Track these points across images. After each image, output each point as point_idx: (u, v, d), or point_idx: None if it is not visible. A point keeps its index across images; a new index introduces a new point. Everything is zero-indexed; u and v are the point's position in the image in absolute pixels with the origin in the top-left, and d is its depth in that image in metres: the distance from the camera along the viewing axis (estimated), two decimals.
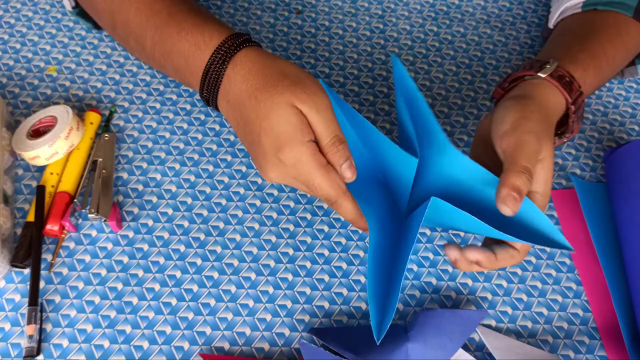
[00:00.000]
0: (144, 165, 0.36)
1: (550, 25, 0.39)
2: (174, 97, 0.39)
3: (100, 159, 0.35)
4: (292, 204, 0.35)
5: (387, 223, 0.29)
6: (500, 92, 0.32)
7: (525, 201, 0.27)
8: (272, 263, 0.33)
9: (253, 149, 0.28)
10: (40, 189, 0.33)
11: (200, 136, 0.37)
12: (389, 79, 0.41)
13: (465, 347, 0.31)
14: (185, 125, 0.38)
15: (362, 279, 0.33)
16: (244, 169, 0.36)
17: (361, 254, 0.34)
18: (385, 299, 0.26)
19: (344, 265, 0.33)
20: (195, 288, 0.32)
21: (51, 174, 0.34)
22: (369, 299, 0.26)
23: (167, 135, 0.37)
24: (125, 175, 0.35)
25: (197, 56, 0.29)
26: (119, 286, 0.31)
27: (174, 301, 0.31)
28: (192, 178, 0.36)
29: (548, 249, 0.35)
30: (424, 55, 0.43)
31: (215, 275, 0.32)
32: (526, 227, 0.27)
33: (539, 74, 0.30)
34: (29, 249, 0.31)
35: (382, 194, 0.30)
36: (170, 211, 0.34)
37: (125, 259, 0.32)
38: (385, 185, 0.30)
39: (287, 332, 0.31)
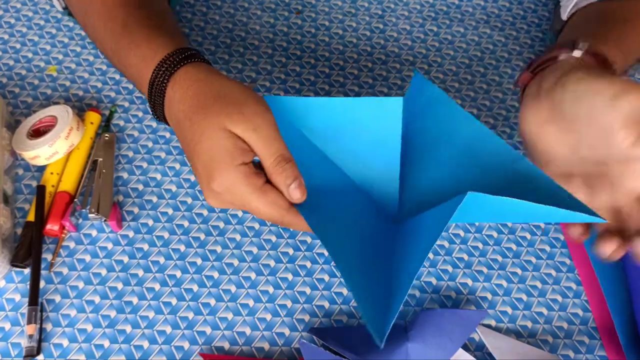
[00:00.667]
0: (144, 165, 0.36)
1: (564, 17, 0.36)
2: None
3: (101, 159, 0.35)
4: None
5: (367, 227, 0.27)
6: (527, 77, 0.28)
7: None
8: (272, 263, 0.33)
9: (195, 173, 0.27)
10: (41, 189, 0.33)
11: None
12: (389, 79, 0.42)
13: (465, 347, 0.31)
14: None
15: None
16: None
17: None
18: (384, 302, 0.24)
19: None
20: (195, 288, 0.32)
21: (51, 173, 0.34)
22: (360, 306, 0.23)
23: (167, 135, 0.38)
24: (125, 175, 0.36)
25: (143, 71, 0.28)
26: (119, 286, 0.32)
27: (174, 301, 0.31)
28: (192, 178, 0.36)
29: (548, 249, 0.35)
30: (424, 55, 0.43)
31: (216, 275, 0.33)
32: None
33: (574, 53, 0.26)
34: (29, 249, 0.31)
35: (357, 200, 0.28)
36: (170, 211, 0.34)
37: (126, 259, 0.32)
38: (360, 190, 0.29)
39: (287, 331, 0.31)
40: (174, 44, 0.28)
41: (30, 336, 0.29)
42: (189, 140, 0.26)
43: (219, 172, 0.25)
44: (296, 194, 0.25)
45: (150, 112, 0.31)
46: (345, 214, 0.28)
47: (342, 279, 0.33)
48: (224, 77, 0.27)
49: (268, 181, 0.26)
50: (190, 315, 0.31)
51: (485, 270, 0.34)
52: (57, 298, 0.31)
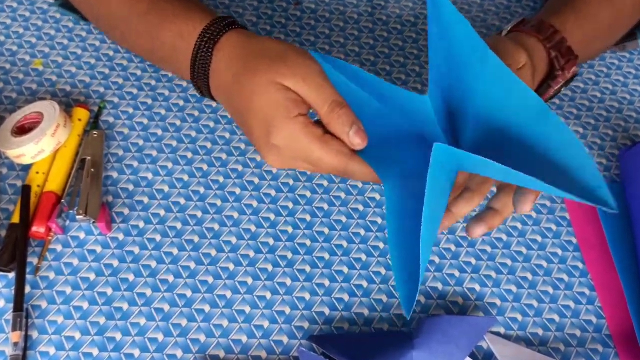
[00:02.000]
0: (135, 164, 0.36)
1: None
2: (167, 92, 0.39)
3: (89, 158, 0.35)
4: (290, 205, 0.35)
5: (415, 179, 0.26)
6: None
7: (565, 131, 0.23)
8: (269, 267, 0.33)
9: (250, 138, 0.27)
10: (26, 189, 0.33)
11: (194, 134, 0.37)
12: (392, 74, 0.41)
13: (473, 356, 0.31)
14: (178, 122, 0.38)
15: (365, 284, 0.33)
16: (240, 168, 0.36)
17: (363, 257, 0.34)
18: (413, 266, 0.24)
19: (346, 270, 0.33)
20: (189, 293, 0.32)
21: (37, 173, 0.34)
22: (393, 270, 0.24)
23: (159, 132, 0.37)
24: (115, 175, 0.35)
25: (182, 46, 0.29)
26: (109, 291, 0.31)
27: (166, 307, 0.31)
28: (186, 178, 0.35)
29: (560, 252, 0.35)
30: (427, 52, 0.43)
31: (210, 279, 0.32)
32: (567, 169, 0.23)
33: (503, 32, 0.31)
34: (13, 252, 0.31)
35: (412, 148, 0.27)
36: (162, 212, 0.34)
37: (115, 263, 0.32)
38: (416, 137, 0.28)
39: (285, 339, 0.31)
40: (210, 14, 0.29)
41: (16, 344, 0.29)
42: (242, 105, 0.27)
43: (276, 126, 0.25)
44: (356, 140, 0.25)
45: (196, 91, 0.31)
46: (403, 164, 0.27)
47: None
48: (265, 38, 0.28)
49: (327, 132, 0.26)
50: (184, 322, 0.31)
51: (494, 275, 0.34)
52: (44, 304, 0.30)
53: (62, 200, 0.33)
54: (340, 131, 0.26)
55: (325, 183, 0.36)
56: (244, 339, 0.30)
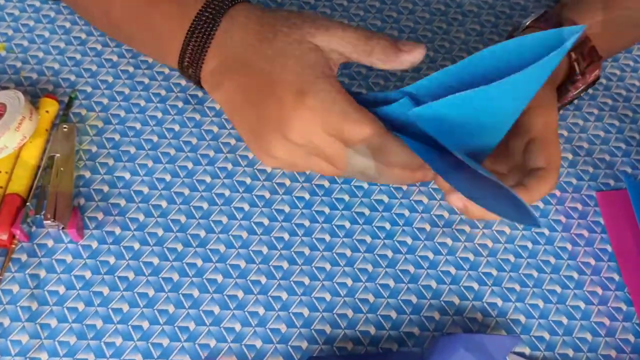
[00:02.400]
0: (110, 162, 0.33)
1: None
2: (146, 80, 0.36)
3: (58, 155, 0.32)
4: (287, 208, 0.32)
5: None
6: None
7: None
8: (263, 279, 0.30)
9: (264, 110, 0.25)
10: None
11: (177, 127, 0.34)
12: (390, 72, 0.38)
13: None
14: (159, 115, 0.34)
15: (371, 298, 0.30)
16: (229, 166, 0.33)
17: (369, 268, 0.31)
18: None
19: (349, 282, 0.30)
20: (171, 309, 0.29)
21: None
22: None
23: (138, 126, 0.34)
24: (87, 174, 0.32)
25: (181, 14, 0.27)
26: (80, 306, 0.28)
27: (145, 324, 0.28)
28: (168, 177, 0.32)
29: (593, 262, 0.31)
30: (428, 49, 0.39)
31: (195, 293, 0.29)
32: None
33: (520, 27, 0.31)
34: None
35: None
36: (141, 217, 0.31)
37: (88, 274, 0.29)
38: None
39: None
40: None
41: None
42: (260, 74, 0.25)
43: (313, 85, 0.24)
44: (410, 56, 0.26)
45: (179, 66, 0.28)
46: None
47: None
48: (277, 8, 0.28)
49: None
50: (166, 341, 0.28)
51: (517, 287, 0.31)
52: (6, 321, 0.28)
53: (27, 204, 0.30)
54: (389, 46, 0.25)
55: (327, 184, 0.33)
56: None
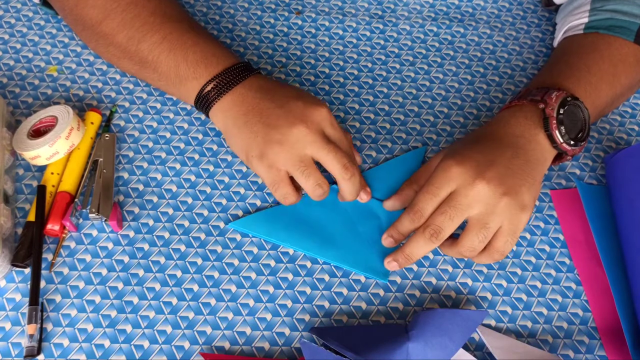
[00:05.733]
0: (145, 165, 0.36)
1: (555, 44, 0.40)
2: (174, 97, 0.39)
3: (101, 159, 0.35)
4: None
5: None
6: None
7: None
8: (272, 262, 0.33)
9: (275, 118, 0.31)
10: (41, 189, 0.33)
11: (200, 136, 0.38)
12: (389, 79, 0.42)
13: (465, 347, 0.31)
14: (185, 125, 0.38)
15: (363, 279, 0.33)
16: (244, 169, 0.37)
17: None
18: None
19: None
20: (195, 287, 0.32)
21: (52, 173, 0.34)
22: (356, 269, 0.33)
23: (168, 135, 0.37)
24: (125, 175, 0.35)
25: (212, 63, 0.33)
26: (120, 286, 0.31)
27: (174, 300, 0.31)
28: (193, 178, 0.36)
29: (548, 249, 0.35)
30: (424, 55, 0.43)
31: (216, 274, 0.32)
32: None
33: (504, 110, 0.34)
34: (29, 249, 0.31)
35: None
36: (170, 211, 0.34)
37: (126, 259, 0.32)
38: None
39: (287, 331, 0.31)
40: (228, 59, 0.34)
41: (31, 336, 0.29)
42: (280, 91, 0.32)
43: (316, 105, 0.31)
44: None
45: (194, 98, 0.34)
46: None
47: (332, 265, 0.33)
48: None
49: None
50: (191, 315, 0.31)
51: (485, 270, 0.34)
52: (58, 298, 0.31)
53: (76, 200, 0.33)
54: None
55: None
56: (248, 330, 0.31)
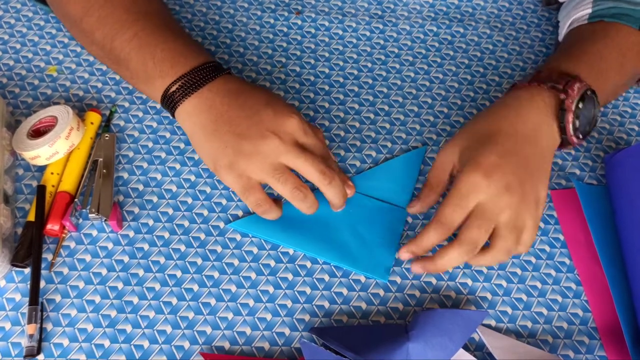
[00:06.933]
0: (145, 165, 0.36)
1: (560, 38, 0.40)
2: None
3: (101, 159, 0.35)
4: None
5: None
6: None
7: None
8: (272, 262, 0.33)
9: (245, 128, 0.30)
10: (41, 189, 0.33)
11: None
12: (388, 79, 0.41)
13: (465, 347, 0.31)
14: None
15: (362, 279, 0.33)
16: None
17: None
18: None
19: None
20: (195, 287, 0.32)
21: (52, 173, 0.34)
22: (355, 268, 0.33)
23: (168, 135, 0.37)
24: (125, 175, 0.35)
25: (183, 60, 0.32)
26: (120, 285, 0.31)
27: (174, 300, 0.31)
28: (193, 178, 0.36)
29: (548, 249, 0.35)
30: (424, 55, 0.43)
31: (216, 274, 0.32)
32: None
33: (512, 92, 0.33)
34: (29, 249, 0.31)
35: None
36: (170, 211, 0.34)
37: (126, 259, 0.32)
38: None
39: (287, 331, 0.31)
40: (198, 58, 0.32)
41: (31, 336, 0.29)
42: (253, 95, 0.31)
43: (289, 111, 0.31)
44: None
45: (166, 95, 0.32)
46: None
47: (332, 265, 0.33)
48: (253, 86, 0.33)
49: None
50: (191, 315, 0.31)
51: (485, 270, 0.34)
52: (58, 298, 0.31)
53: (76, 200, 0.33)
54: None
55: None
56: (248, 330, 0.31)
